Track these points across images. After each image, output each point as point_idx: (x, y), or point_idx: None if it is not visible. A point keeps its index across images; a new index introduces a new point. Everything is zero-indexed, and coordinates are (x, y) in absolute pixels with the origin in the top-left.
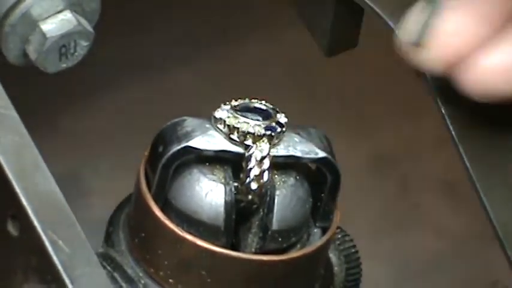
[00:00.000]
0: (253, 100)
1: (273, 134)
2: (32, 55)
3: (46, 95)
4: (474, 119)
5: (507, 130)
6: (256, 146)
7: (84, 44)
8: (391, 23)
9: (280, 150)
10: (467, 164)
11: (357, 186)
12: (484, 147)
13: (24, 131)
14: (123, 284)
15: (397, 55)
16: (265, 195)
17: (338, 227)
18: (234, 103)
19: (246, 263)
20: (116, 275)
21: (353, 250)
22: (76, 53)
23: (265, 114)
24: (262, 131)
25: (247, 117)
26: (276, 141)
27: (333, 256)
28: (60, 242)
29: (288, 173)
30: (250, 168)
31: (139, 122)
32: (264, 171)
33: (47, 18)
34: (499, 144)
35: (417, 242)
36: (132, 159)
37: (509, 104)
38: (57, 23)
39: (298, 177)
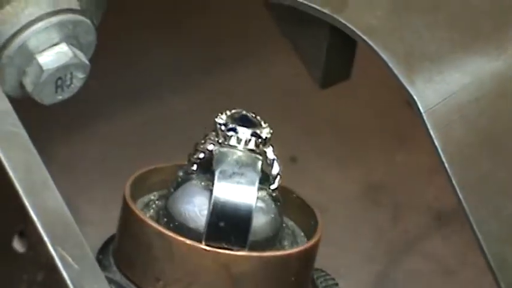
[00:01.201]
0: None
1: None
2: (29, 87)
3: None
4: (467, 151)
5: (499, 162)
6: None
7: (80, 76)
8: (384, 56)
9: None
10: (460, 196)
11: (349, 214)
12: (476, 179)
13: (33, 148)
14: None
15: (389, 86)
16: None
17: (319, 269)
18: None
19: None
20: None
21: None
22: (72, 85)
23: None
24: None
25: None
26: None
27: None
28: (70, 259)
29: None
30: (278, 172)
31: (133, 150)
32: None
33: (43, 50)
34: (491, 176)
35: (409, 270)
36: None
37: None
38: (53, 56)
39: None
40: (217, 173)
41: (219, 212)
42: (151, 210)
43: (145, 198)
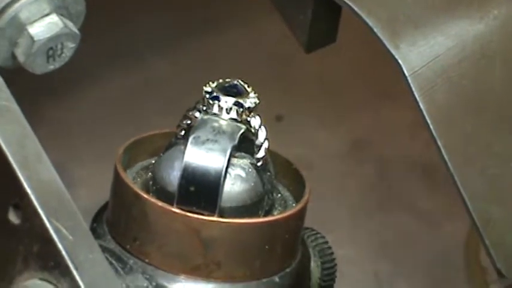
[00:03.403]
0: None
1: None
2: (20, 58)
3: (29, 87)
4: (451, 112)
5: (482, 122)
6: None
7: (70, 46)
8: (369, 22)
9: None
10: (445, 157)
11: (336, 170)
12: (461, 140)
13: (25, 122)
14: (115, 263)
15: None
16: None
17: (310, 228)
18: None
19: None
20: (109, 259)
21: (326, 246)
22: (63, 55)
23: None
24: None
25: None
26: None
27: (310, 250)
28: (64, 230)
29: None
30: (263, 141)
31: (121, 112)
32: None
33: (34, 21)
34: (475, 136)
35: (395, 223)
36: (116, 150)
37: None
38: (44, 27)
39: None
40: (190, 139)
41: (189, 176)
42: (150, 174)
43: (145, 162)
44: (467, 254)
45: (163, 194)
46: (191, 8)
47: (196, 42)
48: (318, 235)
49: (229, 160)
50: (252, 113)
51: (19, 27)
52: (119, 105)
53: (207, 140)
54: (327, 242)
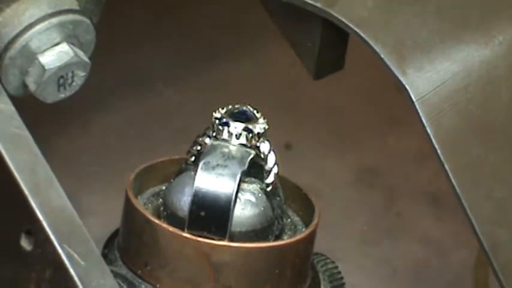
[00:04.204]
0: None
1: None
2: (32, 86)
3: (40, 117)
4: (458, 137)
5: (489, 147)
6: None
7: (81, 74)
8: (376, 48)
9: None
10: (452, 181)
11: (344, 198)
12: (468, 164)
13: (37, 149)
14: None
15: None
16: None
17: (319, 253)
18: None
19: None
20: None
21: (336, 271)
22: (74, 83)
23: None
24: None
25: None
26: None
27: (320, 275)
28: (76, 256)
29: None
30: (272, 166)
31: (130, 140)
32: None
33: (45, 50)
34: (482, 160)
35: (403, 251)
36: (126, 178)
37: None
38: (55, 55)
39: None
40: (200, 164)
41: (199, 201)
42: (160, 200)
43: (156, 188)
44: (476, 278)
45: (174, 219)
46: (199, 37)
47: (205, 71)
48: (328, 260)
49: (239, 185)
50: (262, 139)
51: (30, 56)
52: (127, 133)
53: (217, 165)
54: (336, 267)
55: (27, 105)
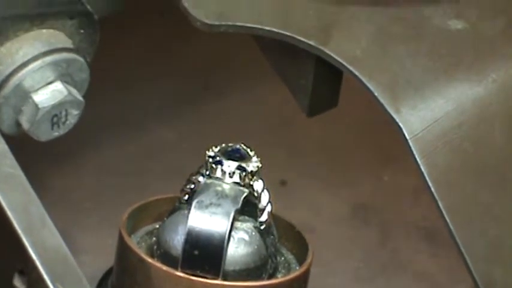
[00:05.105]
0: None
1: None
2: (25, 125)
3: (33, 155)
4: (452, 175)
5: (483, 185)
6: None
7: (75, 113)
8: (370, 86)
9: None
10: (446, 218)
11: (339, 234)
12: (462, 202)
13: (30, 188)
14: None
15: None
16: None
17: None
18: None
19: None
20: None
21: None
22: (67, 122)
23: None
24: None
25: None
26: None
27: None
28: None
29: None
30: (265, 205)
31: (123, 179)
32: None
33: (38, 89)
34: (476, 198)
35: (399, 287)
36: (119, 216)
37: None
38: (48, 94)
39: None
40: (194, 203)
41: (193, 240)
42: (154, 239)
43: (149, 227)
44: None
45: (167, 258)
46: (191, 75)
47: (197, 109)
48: None
49: (232, 224)
50: (255, 177)
51: (23, 95)
52: (120, 172)
53: (211, 204)
54: None
55: (21, 144)
